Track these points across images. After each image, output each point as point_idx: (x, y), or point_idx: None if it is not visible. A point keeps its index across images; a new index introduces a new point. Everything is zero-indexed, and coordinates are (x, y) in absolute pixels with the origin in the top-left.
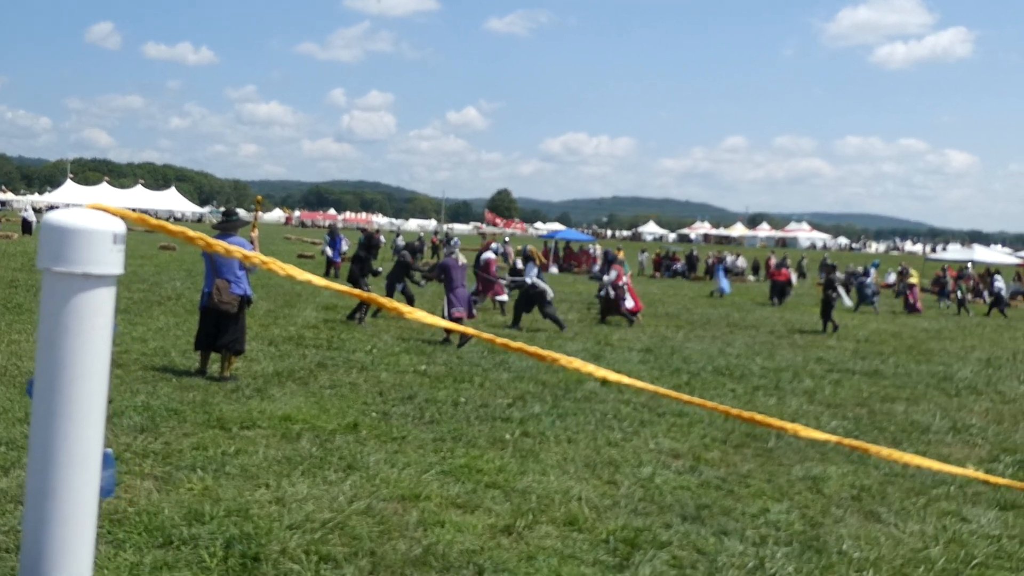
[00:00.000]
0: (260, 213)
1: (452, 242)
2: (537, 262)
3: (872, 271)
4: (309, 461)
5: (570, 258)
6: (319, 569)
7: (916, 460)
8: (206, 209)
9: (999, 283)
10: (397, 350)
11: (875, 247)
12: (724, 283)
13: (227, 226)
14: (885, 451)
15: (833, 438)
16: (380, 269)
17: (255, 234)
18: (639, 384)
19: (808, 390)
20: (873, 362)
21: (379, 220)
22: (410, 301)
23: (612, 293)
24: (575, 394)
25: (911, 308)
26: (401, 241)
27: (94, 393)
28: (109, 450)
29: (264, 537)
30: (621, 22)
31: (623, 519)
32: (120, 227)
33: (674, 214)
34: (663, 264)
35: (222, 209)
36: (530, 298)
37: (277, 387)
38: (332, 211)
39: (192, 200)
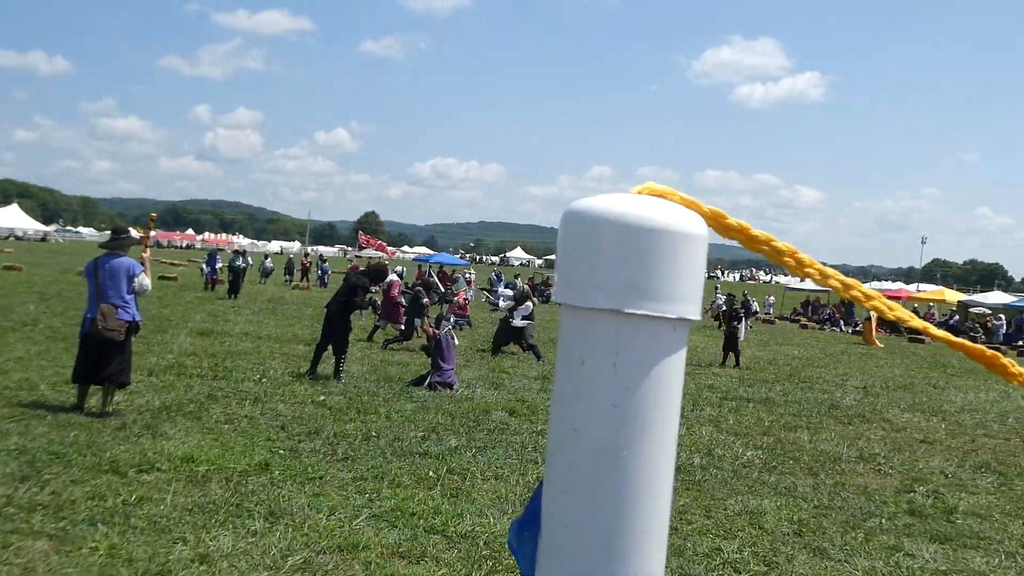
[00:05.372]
0: (153, 233)
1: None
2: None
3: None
4: (225, 509)
5: (445, 282)
6: None
7: None
8: (51, 227)
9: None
10: (289, 379)
11: (731, 276)
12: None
13: (115, 245)
14: None
15: None
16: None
17: (147, 255)
18: None
19: (712, 419)
20: (761, 390)
21: (241, 241)
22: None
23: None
24: (486, 425)
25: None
26: (270, 264)
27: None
28: None
29: None
30: (496, 51)
31: None
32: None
33: (540, 240)
34: (537, 290)
35: (110, 229)
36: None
37: (168, 423)
38: (190, 231)
39: (35, 217)
